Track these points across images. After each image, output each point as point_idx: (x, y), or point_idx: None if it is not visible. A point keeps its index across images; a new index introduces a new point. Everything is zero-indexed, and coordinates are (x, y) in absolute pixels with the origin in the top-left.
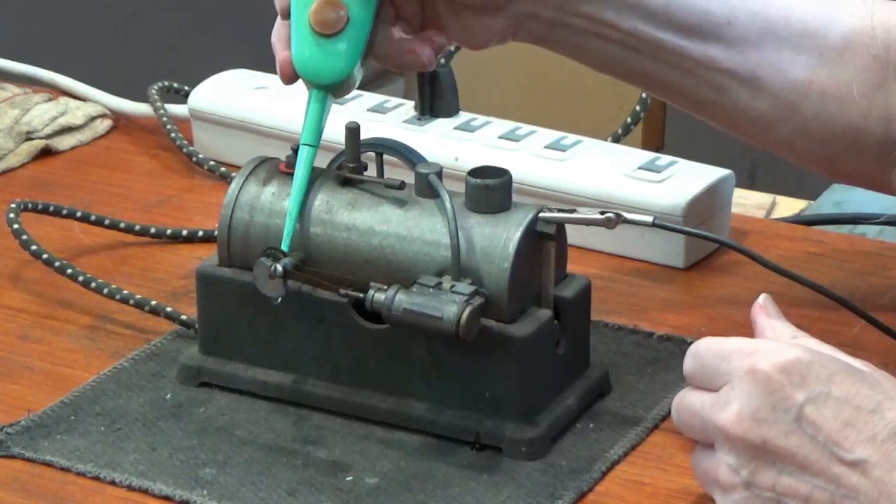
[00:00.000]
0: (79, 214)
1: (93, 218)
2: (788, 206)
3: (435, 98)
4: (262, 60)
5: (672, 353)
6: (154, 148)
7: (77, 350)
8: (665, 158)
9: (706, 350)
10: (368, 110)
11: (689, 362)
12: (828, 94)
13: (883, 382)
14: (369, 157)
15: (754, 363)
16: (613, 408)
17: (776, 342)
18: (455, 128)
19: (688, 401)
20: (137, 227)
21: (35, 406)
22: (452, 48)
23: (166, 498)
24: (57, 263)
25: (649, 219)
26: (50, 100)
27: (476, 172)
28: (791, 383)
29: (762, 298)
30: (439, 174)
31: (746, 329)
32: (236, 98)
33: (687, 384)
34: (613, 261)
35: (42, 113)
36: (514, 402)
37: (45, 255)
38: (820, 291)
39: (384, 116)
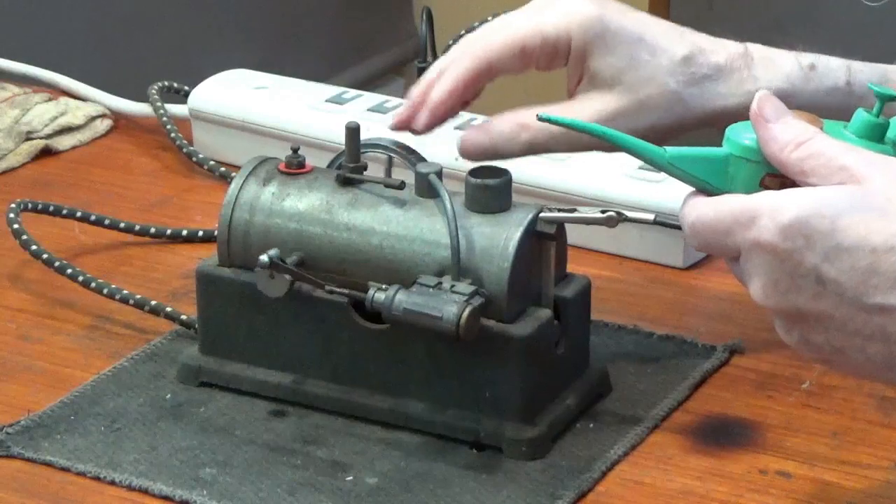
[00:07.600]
0: (79, 214)
1: (93, 218)
2: None
3: None
4: (262, 60)
5: (672, 353)
6: (154, 148)
7: (77, 350)
8: None
9: (703, 227)
10: (368, 110)
11: (692, 241)
12: None
13: (890, 204)
14: (370, 156)
15: (756, 236)
16: (613, 408)
17: (770, 199)
18: (455, 128)
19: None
20: (137, 227)
21: (35, 406)
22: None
23: (166, 498)
24: (57, 263)
25: (650, 216)
26: (50, 100)
27: (476, 172)
28: (797, 248)
29: (758, 98)
30: (439, 174)
31: (747, 328)
32: (236, 98)
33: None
34: (613, 261)
35: (42, 113)
36: (514, 402)
37: (45, 255)
38: None
39: (384, 116)
